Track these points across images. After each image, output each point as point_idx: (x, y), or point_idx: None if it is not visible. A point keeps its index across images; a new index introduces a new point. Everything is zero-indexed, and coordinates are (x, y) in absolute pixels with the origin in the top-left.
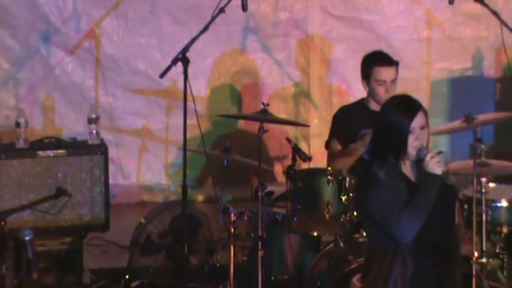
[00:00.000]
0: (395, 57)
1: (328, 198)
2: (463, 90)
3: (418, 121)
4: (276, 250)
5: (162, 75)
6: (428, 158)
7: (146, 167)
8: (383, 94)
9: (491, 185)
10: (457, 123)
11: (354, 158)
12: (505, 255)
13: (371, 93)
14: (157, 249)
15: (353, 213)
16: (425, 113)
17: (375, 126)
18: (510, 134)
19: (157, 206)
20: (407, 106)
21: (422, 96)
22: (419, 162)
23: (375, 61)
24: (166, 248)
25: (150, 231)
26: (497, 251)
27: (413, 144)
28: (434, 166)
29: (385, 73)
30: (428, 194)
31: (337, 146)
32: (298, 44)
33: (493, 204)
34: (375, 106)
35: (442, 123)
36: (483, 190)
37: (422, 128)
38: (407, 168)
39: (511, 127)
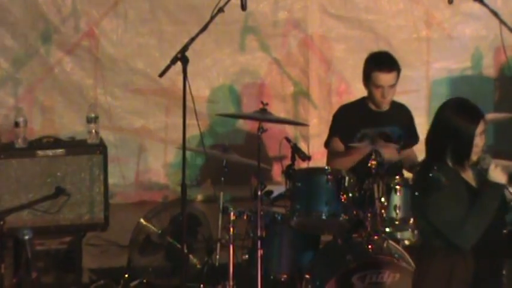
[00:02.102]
0: (394, 57)
1: (327, 198)
2: (462, 90)
3: (481, 127)
4: (275, 250)
5: (161, 75)
6: (492, 167)
7: (145, 167)
8: (379, 98)
9: None
10: None
11: (356, 158)
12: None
13: (370, 95)
14: (156, 248)
15: (352, 212)
16: (485, 120)
17: (433, 129)
18: (509, 134)
19: (157, 205)
20: (471, 111)
21: (421, 96)
22: (482, 171)
23: (375, 65)
24: (166, 247)
25: (149, 230)
26: None
27: (474, 150)
28: (499, 175)
29: (383, 79)
30: (492, 203)
31: (338, 145)
32: (297, 44)
33: None
34: (374, 106)
35: None
36: None
37: (482, 134)
38: (466, 173)
39: (510, 127)
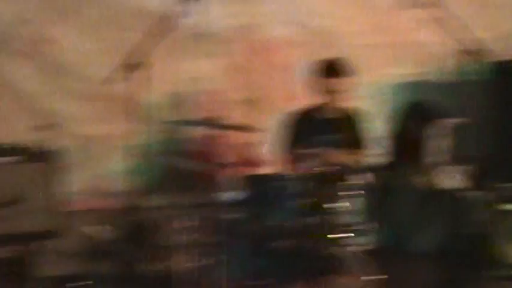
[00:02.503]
0: (348, 63)
1: (280, 204)
2: (419, 95)
3: (439, 127)
4: (235, 255)
5: (110, 82)
6: (445, 174)
7: (100, 174)
8: (331, 104)
9: None
10: None
11: (307, 165)
12: None
13: (322, 101)
14: (109, 255)
15: (304, 218)
16: (447, 119)
17: (392, 135)
18: (466, 139)
19: (111, 212)
20: (423, 114)
21: (372, 102)
22: (433, 175)
23: (325, 71)
24: (119, 254)
25: (102, 237)
26: None
27: (431, 151)
28: (453, 182)
29: (334, 84)
30: (445, 209)
31: (291, 152)
32: (248, 50)
33: None
34: (324, 112)
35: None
36: None
37: (438, 136)
38: (424, 179)
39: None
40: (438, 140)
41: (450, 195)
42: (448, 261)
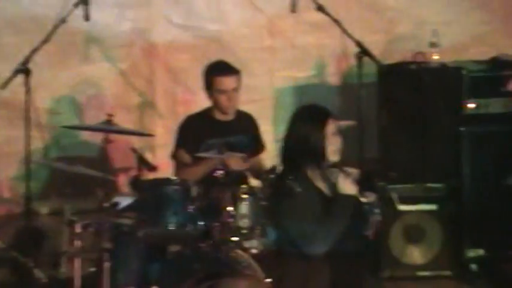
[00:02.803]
0: (239, 66)
1: (174, 208)
2: (306, 98)
3: (331, 127)
4: (123, 261)
5: (2, 87)
6: (340, 180)
7: None
8: (226, 103)
9: None
10: None
11: (202, 169)
12: None
13: (215, 103)
14: (0, 263)
15: (199, 222)
16: (336, 119)
17: (286, 139)
18: (353, 141)
19: (1, 219)
20: (317, 114)
21: (266, 105)
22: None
23: (215, 71)
24: (10, 262)
25: None
26: None
27: (330, 149)
28: (348, 187)
29: (226, 82)
30: (342, 213)
31: (184, 156)
32: (142, 54)
33: None
34: (220, 116)
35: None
36: None
37: (334, 134)
38: (320, 182)
39: (353, 134)
40: (329, 142)
41: (345, 201)
42: (344, 262)
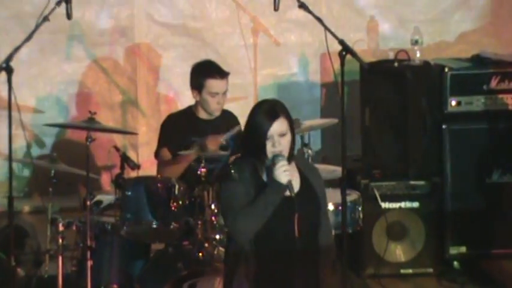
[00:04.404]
0: (222, 64)
1: (157, 206)
2: (289, 96)
3: (276, 128)
4: (105, 260)
5: None
6: (278, 165)
7: None
8: (215, 105)
9: None
10: None
11: (183, 166)
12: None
13: (202, 104)
14: None
15: (182, 220)
16: (289, 120)
17: (244, 126)
18: (336, 139)
19: None
20: (268, 112)
21: (249, 102)
22: (270, 168)
23: (208, 73)
24: None
25: None
26: None
27: (270, 150)
28: (281, 174)
29: (218, 86)
30: (267, 200)
31: (166, 154)
32: (124, 52)
33: None
34: (203, 114)
35: None
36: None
37: (281, 135)
38: (264, 171)
39: (336, 132)
40: (284, 138)
41: (273, 188)
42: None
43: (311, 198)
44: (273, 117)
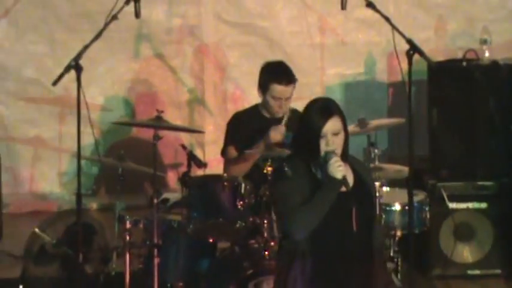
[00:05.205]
0: (288, 63)
1: (223, 205)
2: (356, 95)
3: (330, 126)
4: (172, 257)
5: (54, 83)
6: (332, 161)
7: (40, 176)
8: (276, 109)
9: (385, 189)
10: (351, 128)
11: (250, 164)
12: (400, 259)
13: (265, 104)
14: (51, 258)
15: (249, 219)
16: (343, 118)
17: (298, 124)
18: (403, 139)
19: (51, 215)
20: (322, 110)
21: None
22: (324, 165)
23: (274, 77)
24: (61, 257)
25: (44, 240)
26: (391, 254)
27: (324, 149)
28: (335, 170)
29: (282, 91)
30: (324, 197)
31: (233, 153)
32: (192, 51)
33: (387, 208)
34: (267, 114)
35: None
36: (377, 194)
37: (335, 134)
38: (318, 169)
39: (403, 132)
40: (338, 137)
41: (329, 185)
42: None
43: (365, 193)
44: (327, 116)
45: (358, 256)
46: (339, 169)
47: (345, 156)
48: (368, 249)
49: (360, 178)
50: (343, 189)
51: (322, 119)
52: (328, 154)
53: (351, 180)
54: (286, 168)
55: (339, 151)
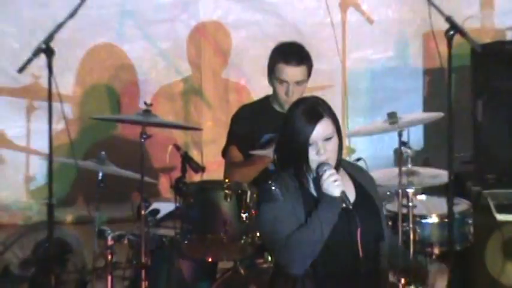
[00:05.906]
0: (304, 45)
1: (225, 217)
2: (385, 85)
3: (319, 132)
4: (163, 280)
5: (20, 70)
6: (325, 176)
7: (3, 182)
8: (283, 96)
9: (420, 197)
10: (378, 124)
11: (257, 169)
12: None
13: (275, 95)
14: (17, 281)
15: (255, 234)
16: (334, 119)
17: (280, 133)
18: (441, 137)
19: (17, 229)
20: (308, 114)
21: (336, 92)
22: (318, 179)
23: (280, 56)
24: (29, 279)
25: (8, 259)
26: None
27: (314, 159)
28: (331, 186)
29: (288, 72)
30: (321, 219)
31: (236, 154)
32: (186, 31)
33: (421, 221)
34: (279, 108)
35: (360, 124)
36: (410, 204)
37: (327, 139)
38: (311, 183)
39: (442, 128)
40: (330, 142)
41: (326, 204)
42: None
43: (370, 206)
44: (315, 119)
45: (366, 281)
46: (335, 184)
47: (339, 165)
48: (377, 272)
49: (362, 190)
50: (343, 205)
51: (309, 125)
52: (320, 167)
53: (351, 194)
54: (273, 188)
55: (333, 159)
